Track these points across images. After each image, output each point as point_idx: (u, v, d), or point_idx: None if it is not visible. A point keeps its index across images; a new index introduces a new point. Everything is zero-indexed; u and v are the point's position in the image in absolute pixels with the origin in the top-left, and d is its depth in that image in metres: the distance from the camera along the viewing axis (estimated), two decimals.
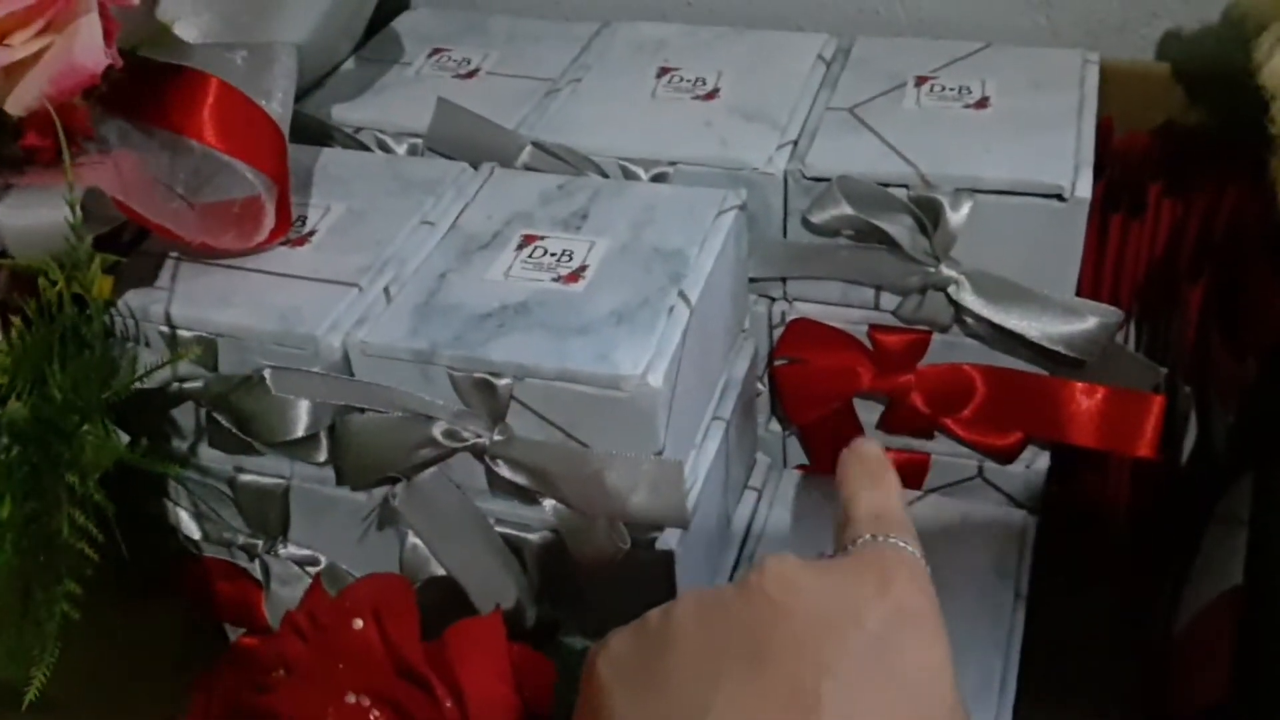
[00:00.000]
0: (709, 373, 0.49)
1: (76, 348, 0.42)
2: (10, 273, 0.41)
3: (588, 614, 0.48)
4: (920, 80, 0.55)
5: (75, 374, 0.41)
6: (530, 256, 0.47)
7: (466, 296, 0.45)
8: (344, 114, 0.58)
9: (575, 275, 0.46)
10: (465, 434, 0.44)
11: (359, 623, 0.36)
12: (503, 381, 0.43)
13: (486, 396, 0.43)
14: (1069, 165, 0.49)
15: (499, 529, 0.47)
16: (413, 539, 0.48)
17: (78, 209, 0.40)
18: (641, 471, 0.43)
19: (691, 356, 0.45)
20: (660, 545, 0.45)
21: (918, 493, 0.56)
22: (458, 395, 0.44)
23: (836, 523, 0.34)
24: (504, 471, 0.45)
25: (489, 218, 0.50)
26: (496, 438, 0.44)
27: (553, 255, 0.47)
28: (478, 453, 0.45)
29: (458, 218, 0.50)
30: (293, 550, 0.52)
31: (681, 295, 0.44)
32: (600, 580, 0.46)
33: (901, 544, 0.32)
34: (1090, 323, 0.50)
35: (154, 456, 0.48)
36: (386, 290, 0.46)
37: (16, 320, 0.40)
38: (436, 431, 0.45)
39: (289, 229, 0.49)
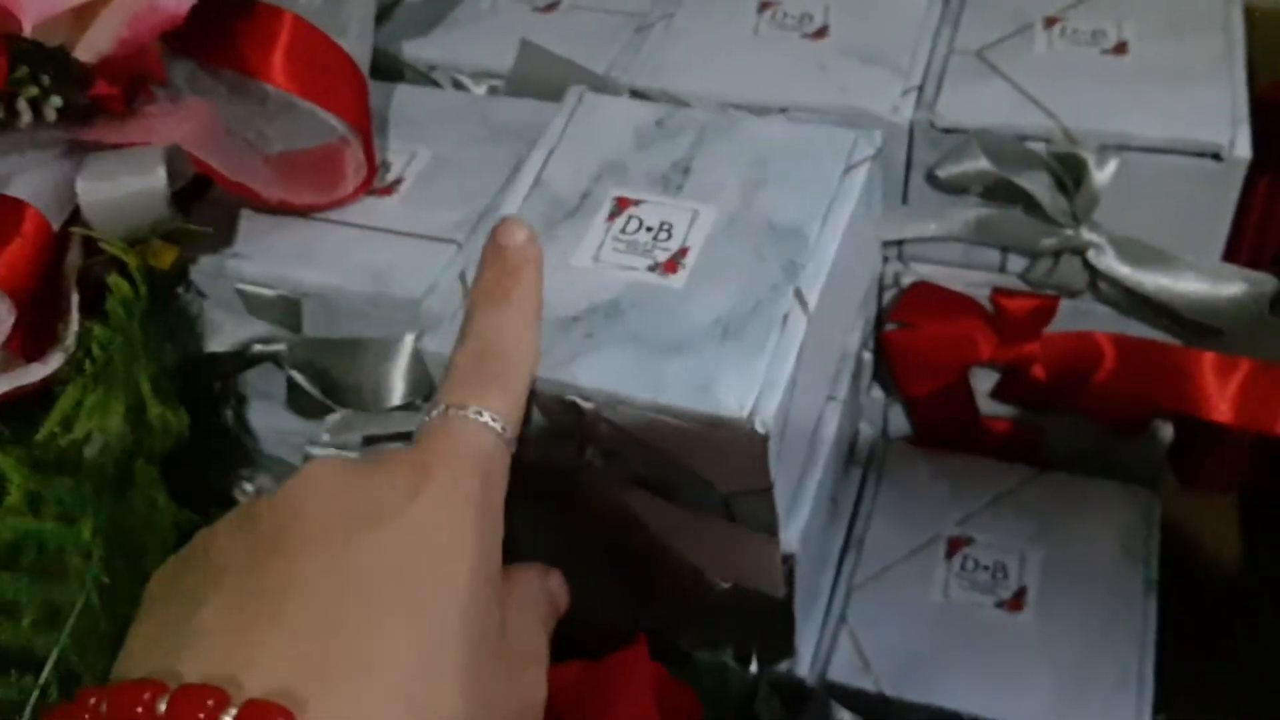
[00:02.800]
0: (828, 359, 0.45)
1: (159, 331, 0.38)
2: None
3: (704, 620, 0.45)
4: (1049, 21, 0.50)
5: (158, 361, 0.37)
6: (624, 231, 0.41)
7: (552, 291, 0.39)
8: (415, 51, 0.53)
9: (674, 263, 0.40)
10: (552, 454, 0.40)
11: None
12: (589, 405, 0.37)
13: (573, 418, 0.38)
14: (1225, 121, 0.44)
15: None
16: None
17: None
18: (733, 535, 0.39)
19: (810, 364, 0.39)
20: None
21: (1033, 470, 0.52)
22: (540, 411, 0.39)
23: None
24: (594, 495, 0.41)
25: (577, 170, 0.43)
26: (586, 459, 0.40)
27: (649, 230, 0.41)
28: (567, 473, 0.41)
29: (542, 169, 0.44)
30: None
31: (799, 297, 0.38)
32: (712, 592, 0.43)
33: (482, 416, 0.32)
34: (1239, 289, 0.46)
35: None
36: (463, 277, 0.41)
37: (96, 326, 0.36)
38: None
39: (374, 181, 0.44)
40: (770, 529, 0.39)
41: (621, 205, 0.42)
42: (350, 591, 0.27)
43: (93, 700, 0.25)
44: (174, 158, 0.37)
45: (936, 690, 0.44)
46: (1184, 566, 0.49)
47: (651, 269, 0.40)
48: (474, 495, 0.30)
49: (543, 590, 0.35)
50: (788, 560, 0.41)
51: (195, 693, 0.24)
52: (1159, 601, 0.47)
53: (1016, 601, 0.47)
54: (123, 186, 0.35)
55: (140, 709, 0.24)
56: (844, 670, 0.46)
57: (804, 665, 0.47)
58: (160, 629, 0.27)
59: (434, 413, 0.32)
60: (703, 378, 0.36)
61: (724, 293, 0.38)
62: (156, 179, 0.36)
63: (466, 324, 0.35)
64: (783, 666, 0.47)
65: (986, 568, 0.48)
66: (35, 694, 0.34)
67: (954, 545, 0.49)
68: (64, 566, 0.35)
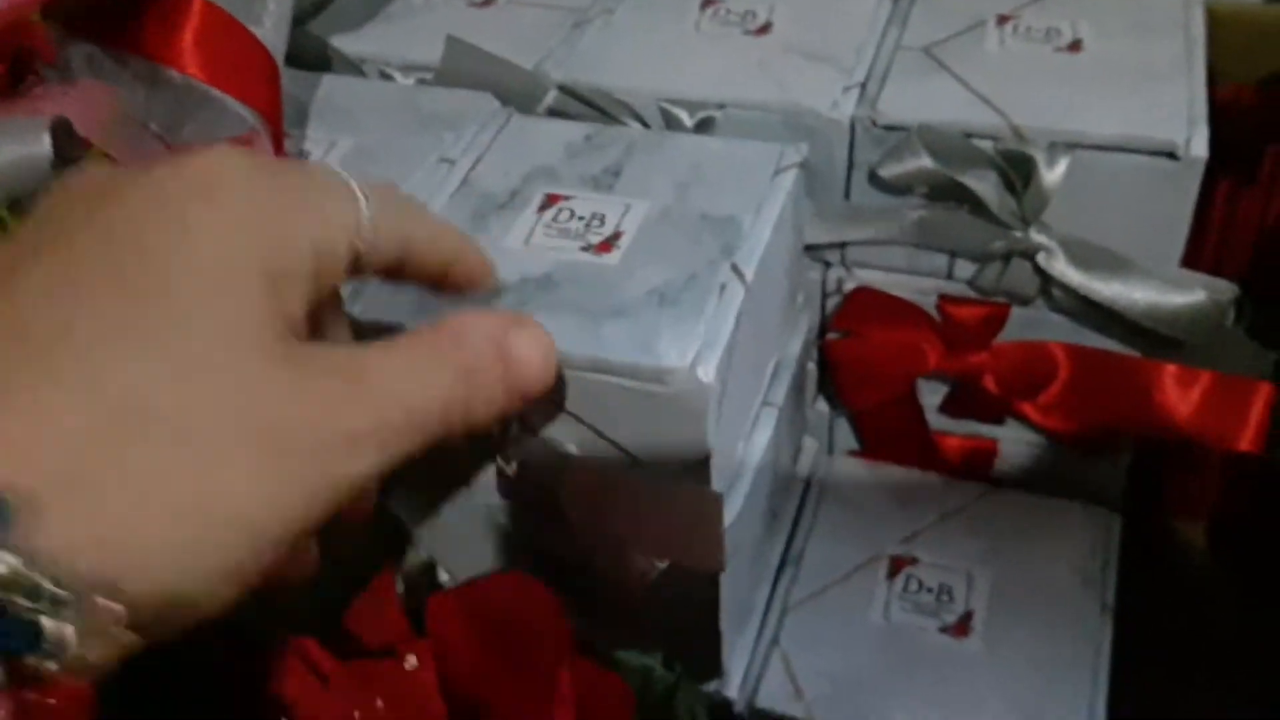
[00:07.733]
0: (762, 356, 0.43)
1: None
2: None
3: (632, 629, 0.42)
4: (1002, 19, 0.48)
5: None
6: (555, 220, 0.40)
7: None
8: (345, 44, 0.51)
9: (608, 244, 0.38)
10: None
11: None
12: None
13: None
14: (1181, 120, 0.42)
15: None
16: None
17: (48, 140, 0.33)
18: (671, 501, 0.36)
19: (745, 342, 0.38)
20: None
21: (985, 487, 0.50)
22: None
23: None
24: (513, 474, 0.38)
25: (506, 173, 0.42)
26: (510, 435, 0.37)
27: (580, 219, 0.40)
28: (487, 453, 0.38)
29: (470, 171, 0.43)
30: None
31: (735, 270, 0.37)
32: (637, 595, 0.40)
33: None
34: (1199, 297, 0.44)
35: None
36: None
37: None
38: None
39: None
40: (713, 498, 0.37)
41: (552, 200, 0.41)
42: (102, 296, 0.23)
43: None
44: (62, 132, 0.35)
45: None
46: (1144, 593, 0.46)
47: (584, 249, 0.38)
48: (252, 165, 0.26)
49: (487, 337, 0.28)
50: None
51: None
52: (1115, 629, 0.44)
53: (962, 626, 0.44)
54: (2, 155, 0.33)
55: None
56: (774, 696, 0.43)
57: (733, 686, 0.44)
58: None
59: None
60: (642, 338, 0.35)
61: (660, 268, 0.37)
62: (41, 145, 0.34)
63: None
64: (712, 686, 0.44)
65: (930, 589, 0.45)
66: None
67: (897, 564, 0.46)
68: None
